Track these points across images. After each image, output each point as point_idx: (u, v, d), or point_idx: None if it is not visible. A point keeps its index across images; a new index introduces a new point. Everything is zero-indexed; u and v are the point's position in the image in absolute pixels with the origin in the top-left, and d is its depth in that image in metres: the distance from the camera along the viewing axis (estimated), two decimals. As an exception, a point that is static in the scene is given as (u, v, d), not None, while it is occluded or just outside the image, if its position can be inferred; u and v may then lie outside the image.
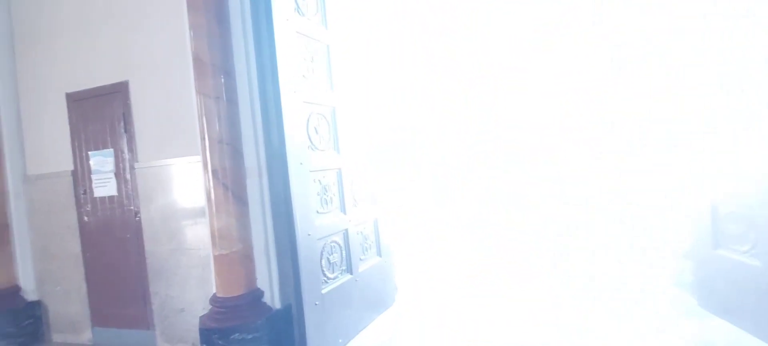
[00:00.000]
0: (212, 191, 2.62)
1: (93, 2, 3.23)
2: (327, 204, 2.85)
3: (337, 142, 3.03)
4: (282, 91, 2.48)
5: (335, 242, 2.89)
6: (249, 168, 2.73)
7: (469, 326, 3.11)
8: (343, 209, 3.02)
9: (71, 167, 3.46)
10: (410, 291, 3.93)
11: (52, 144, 3.52)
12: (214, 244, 2.64)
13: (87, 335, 3.47)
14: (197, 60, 2.63)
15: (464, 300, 3.65)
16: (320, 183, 2.80)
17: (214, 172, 2.61)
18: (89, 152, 3.38)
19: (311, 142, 2.75)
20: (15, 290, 3.59)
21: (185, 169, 2.97)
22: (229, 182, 2.64)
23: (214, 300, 2.65)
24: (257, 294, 2.70)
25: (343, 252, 2.97)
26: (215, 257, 2.64)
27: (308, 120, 2.74)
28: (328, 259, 2.79)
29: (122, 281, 3.32)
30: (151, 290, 3.18)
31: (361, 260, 3.17)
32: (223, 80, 2.65)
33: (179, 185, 3.02)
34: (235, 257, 2.63)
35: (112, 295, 3.39)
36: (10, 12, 3.60)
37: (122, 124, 3.23)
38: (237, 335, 2.49)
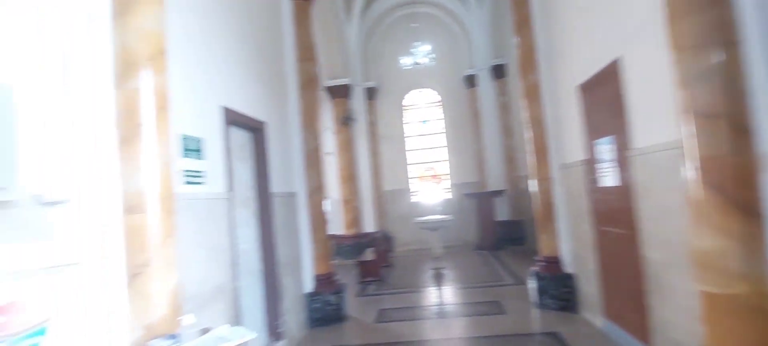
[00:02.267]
0: (694, 190, 1.74)
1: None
2: None
3: None
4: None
5: None
6: (765, 156, 1.55)
7: None
8: None
9: (583, 157, 3.55)
10: None
11: (571, 135, 3.79)
12: (699, 272, 1.76)
13: (600, 321, 3.46)
14: None
15: None
16: None
17: (695, 162, 1.72)
18: (594, 141, 3.32)
19: None
20: (556, 260, 4.24)
21: (672, 157, 2.17)
22: (725, 178, 1.64)
23: (701, 356, 1.77)
24: (783, 383, 1.50)
25: None
26: (702, 295, 1.75)
27: None
28: None
29: (624, 280, 3.00)
30: (647, 303, 2.64)
31: None
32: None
33: (672, 179, 2.25)
34: (735, 304, 1.61)
35: (617, 291, 3.15)
36: (550, 35, 4.21)
37: (615, 106, 2.88)
38: None
